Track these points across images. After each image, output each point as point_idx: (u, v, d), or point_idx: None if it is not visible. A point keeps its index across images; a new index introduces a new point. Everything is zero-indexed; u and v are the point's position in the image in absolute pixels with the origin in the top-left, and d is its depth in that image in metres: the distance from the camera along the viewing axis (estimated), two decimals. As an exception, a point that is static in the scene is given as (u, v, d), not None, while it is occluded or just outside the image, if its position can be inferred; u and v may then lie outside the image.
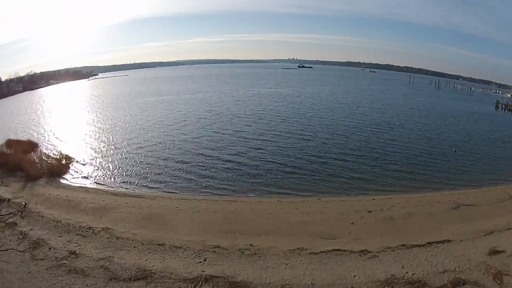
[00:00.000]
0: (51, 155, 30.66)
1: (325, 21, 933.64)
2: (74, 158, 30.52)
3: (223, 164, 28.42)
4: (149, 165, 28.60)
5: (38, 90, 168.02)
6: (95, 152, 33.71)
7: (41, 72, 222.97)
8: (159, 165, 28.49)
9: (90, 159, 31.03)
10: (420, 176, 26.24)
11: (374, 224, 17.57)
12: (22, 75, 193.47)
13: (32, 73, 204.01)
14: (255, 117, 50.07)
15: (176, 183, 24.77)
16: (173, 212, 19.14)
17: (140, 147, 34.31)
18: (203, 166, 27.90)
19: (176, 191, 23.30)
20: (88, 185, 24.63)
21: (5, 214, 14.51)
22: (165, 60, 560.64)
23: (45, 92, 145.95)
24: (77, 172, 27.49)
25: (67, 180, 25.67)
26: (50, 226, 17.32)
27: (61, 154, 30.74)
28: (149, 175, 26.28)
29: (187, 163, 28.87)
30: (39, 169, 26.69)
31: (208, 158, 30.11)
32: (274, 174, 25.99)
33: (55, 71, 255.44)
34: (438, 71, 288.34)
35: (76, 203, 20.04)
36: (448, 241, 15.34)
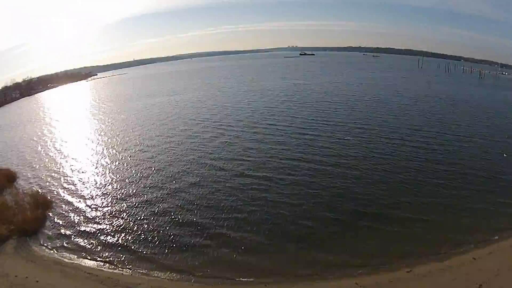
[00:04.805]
0: (27, 198, 25.16)
1: (321, 6, 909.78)
2: (53, 203, 25.04)
3: (252, 218, 20.56)
4: (148, 224, 20.92)
5: (35, 95, 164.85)
6: (80, 191, 27.36)
7: (38, 77, 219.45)
8: (164, 224, 20.68)
9: (72, 203, 24.98)
10: (496, 202, 21.10)
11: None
12: (19, 81, 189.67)
13: (29, 78, 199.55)
14: (267, 129, 40.79)
15: (192, 256, 17.41)
16: None
17: (138, 192, 25.70)
18: (225, 227, 19.90)
19: (194, 273, 16.22)
20: (65, 257, 18.47)
21: None
22: (164, 55, 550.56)
23: (41, 98, 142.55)
24: (54, 229, 21.58)
25: (40, 245, 19.92)
26: None
27: (38, 196, 25.18)
28: (150, 242, 18.96)
29: (203, 219, 20.85)
30: (10, 223, 21.50)
31: (228, 211, 21.71)
32: (330, 236, 18.58)
33: (53, 74, 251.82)
34: (439, 52, 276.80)
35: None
36: None
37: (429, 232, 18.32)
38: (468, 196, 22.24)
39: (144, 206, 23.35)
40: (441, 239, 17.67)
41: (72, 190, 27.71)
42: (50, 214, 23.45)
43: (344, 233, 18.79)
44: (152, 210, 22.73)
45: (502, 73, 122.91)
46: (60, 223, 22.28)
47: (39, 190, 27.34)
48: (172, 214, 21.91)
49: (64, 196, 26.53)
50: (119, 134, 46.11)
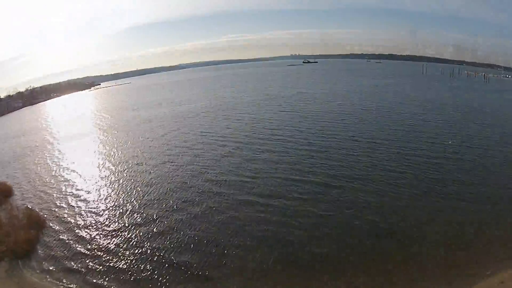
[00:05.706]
0: (21, 216, 23.85)
1: (321, 15, 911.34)
2: (46, 223, 23.42)
3: (258, 257, 17.67)
4: (145, 263, 18.05)
5: (37, 105, 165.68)
6: (75, 213, 25.16)
7: (41, 86, 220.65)
8: (160, 265, 17.73)
9: (66, 225, 23.06)
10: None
11: None
12: (21, 90, 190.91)
13: (32, 88, 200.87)
14: (273, 143, 37.56)
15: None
16: None
17: (136, 222, 22.63)
18: (228, 270, 16.98)
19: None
20: (57, 286, 16.78)
21: None
22: (167, 65, 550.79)
23: (43, 107, 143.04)
24: (46, 254, 19.89)
25: (31, 270, 18.40)
26: None
27: (32, 215, 23.78)
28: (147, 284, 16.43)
29: (204, 259, 17.99)
30: (2, 243, 20.32)
31: (233, 249, 18.68)
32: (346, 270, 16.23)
33: (56, 83, 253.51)
34: (441, 57, 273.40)
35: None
36: None
37: (454, 254, 16.68)
38: (490, 214, 20.47)
39: (142, 241, 20.35)
40: (467, 261, 16.08)
41: (67, 211, 25.73)
42: (43, 236, 21.81)
43: (364, 267, 16.43)
44: (151, 244, 19.80)
45: (506, 76, 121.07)
46: (53, 247, 20.56)
47: (33, 208, 25.94)
48: (172, 252, 18.90)
49: (58, 216, 24.76)
50: (120, 150, 44.12)
